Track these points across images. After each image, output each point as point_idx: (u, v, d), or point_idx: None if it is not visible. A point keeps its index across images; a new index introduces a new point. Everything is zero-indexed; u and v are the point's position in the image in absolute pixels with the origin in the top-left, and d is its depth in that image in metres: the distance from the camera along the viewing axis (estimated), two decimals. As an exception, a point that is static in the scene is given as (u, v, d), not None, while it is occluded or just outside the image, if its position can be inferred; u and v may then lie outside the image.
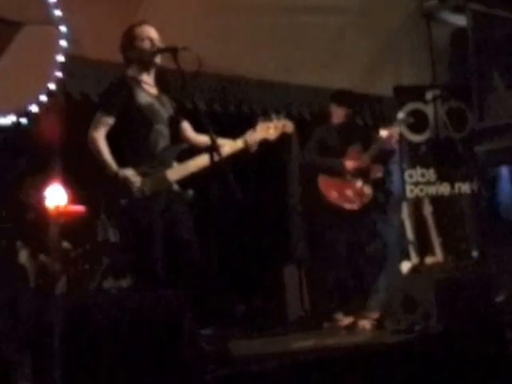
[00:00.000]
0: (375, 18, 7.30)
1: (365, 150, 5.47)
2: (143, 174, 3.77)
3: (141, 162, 3.80)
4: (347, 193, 5.37)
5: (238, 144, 3.99)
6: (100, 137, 3.76)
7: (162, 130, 3.93)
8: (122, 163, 3.81)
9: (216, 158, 3.60)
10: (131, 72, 3.95)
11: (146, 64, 3.93)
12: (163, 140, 3.92)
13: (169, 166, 3.86)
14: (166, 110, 3.98)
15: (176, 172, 3.86)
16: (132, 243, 3.87)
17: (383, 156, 5.52)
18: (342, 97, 5.58)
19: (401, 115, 5.86)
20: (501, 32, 7.79)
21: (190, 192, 3.93)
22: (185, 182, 3.96)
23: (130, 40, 3.94)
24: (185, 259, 3.80)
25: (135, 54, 3.92)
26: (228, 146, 3.94)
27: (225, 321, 3.94)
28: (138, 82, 3.92)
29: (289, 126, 4.16)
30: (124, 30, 4.00)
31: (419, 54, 7.89)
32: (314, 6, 6.75)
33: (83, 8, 5.03)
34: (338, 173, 5.37)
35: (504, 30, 7.81)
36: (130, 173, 3.72)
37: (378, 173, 5.53)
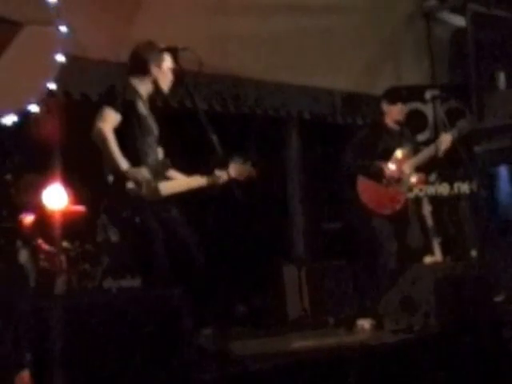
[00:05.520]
0: (375, 18, 7.32)
1: (414, 152, 5.41)
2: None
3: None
4: (381, 197, 5.33)
5: (202, 181, 4.00)
6: (108, 129, 3.69)
7: (152, 143, 3.94)
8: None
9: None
10: (134, 81, 3.95)
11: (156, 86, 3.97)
12: (153, 153, 3.93)
13: (162, 178, 3.87)
14: (156, 128, 4.00)
15: (168, 187, 3.87)
16: (132, 243, 3.88)
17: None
18: (395, 94, 5.54)
19: (460, 123, 5.72)
20: (500, 32, 7.81)
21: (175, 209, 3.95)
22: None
23: (150, 56, 3.94)
24: (184, 260, 3.80)
25: (149, 72, 3.94)
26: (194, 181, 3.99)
27: (225, 321, 3.94)
28: (139, 93, 3.93)
29: (252, 172, 4.16)
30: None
31: (419, 54, 7.91)
32: (314, 7, 6.76)
33: (83, 8, 5.04)
34: (378, 176, 5.30)
35: (503, 30, 7.83)
36: (138, 172, 3.71)
37: (419, 182, 5.51)
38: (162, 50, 3.91)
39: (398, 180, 5.31)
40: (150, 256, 3.72)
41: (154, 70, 3.93)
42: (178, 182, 3.95)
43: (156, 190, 3.79)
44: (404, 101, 5.46)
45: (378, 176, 5.28)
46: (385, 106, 5.46)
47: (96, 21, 5.17)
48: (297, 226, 7.03)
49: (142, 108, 3.91)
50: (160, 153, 3.99)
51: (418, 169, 5.40)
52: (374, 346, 4.26)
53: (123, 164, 3.66)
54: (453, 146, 5.47)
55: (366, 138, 5.41)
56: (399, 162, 5.34)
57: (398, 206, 5.31)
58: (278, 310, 5.87)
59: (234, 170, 4.04)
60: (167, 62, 3.95)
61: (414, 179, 5.38)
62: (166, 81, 3.98)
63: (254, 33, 6.31)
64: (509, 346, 4.49)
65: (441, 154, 5.38)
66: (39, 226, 4.83)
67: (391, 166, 5.29)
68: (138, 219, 3.68)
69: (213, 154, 3.76)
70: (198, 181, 3.99)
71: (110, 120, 3.71)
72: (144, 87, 3.95)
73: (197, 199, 4.01)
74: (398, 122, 5.44)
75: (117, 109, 3.74)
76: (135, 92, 3.91)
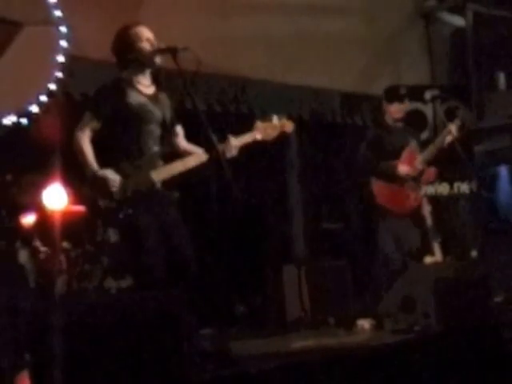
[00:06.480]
0: (374, 19, 7.32)
1: (421, 147, 5.47)
2: (125, 176, 3.75)
3: (127, 162, 3.79)
4: (397, 198, 5.36)
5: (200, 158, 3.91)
6: (84, 137, 3.77)
7: (153, 130, 3.91)
8: (108, 164, 3.80)
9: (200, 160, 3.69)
10: (126, 74, 3.94)
11: (145, 65, 3.93)
12: (153, 141, 3.90)
13: (154, 166, 3.86)
14: (160, 110, 3.96)
15: (161, 172, 3.85)
16: (127, 243, 3.88)
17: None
18: (392, 93, 5.55)
19: (461, 112, 5.76)
20: (500, 32, 7.81)
21: (176, 194, 3.92)
22: (184, 182, 3.96)
23: (128, 41, 3.92)
24: (179, 260, 3.78)
25: (135, 56, 3.92)
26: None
27: (225, 321, 3.94)
28: (132, 83, 3.92)
29: (288, 126, 4.13)
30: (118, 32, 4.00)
31: (418, 54, 7.92)
32: (313, 7, 6.77)
33: (84, 8, 5.04)
34: (392, 177, 5.35)
35: (503, 30, 7.84)
36: (108, 172, 3.72)
37: (431, 177, 5.56)
38: (161, 51, 3.90)
39: (414, 178, 5.37)
40: (144, 256, 3.70)
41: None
42: (172, 165, 3.90)
43: (146, 179, 3.78)
44: (401, 100, 5.49)
45: (394, 177, 5.32)
46: (384, 105, 5.55)
47: (96, 21, 5.17)
48: (297, 226, 7.03)
49: (135, 96, 3.87)
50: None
51: (428, 163, 5.48)
52: (374, 346, 4.26)
53: (93, 166, 3.74)
54: (453, 145, 5.50)
55: (376, 137, 5.46)
56: (410, 161, 5.39)
57: (413, 205, 5.38)
58: (277, 310, 5.87)
59: (259, 131, 3.98)
60: (140, 37, 3.91)
61: (427, 175, 5.45)
62: (146, 57, 3.91)
63: (254, 33, 6.32)
64: (509, 347, 4.49)
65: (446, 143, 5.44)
66: (39, 226, 4.83)
67: (404, 167, 5.34)
68: (129, 213, 3.67)
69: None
70: (195, 159, 3.90)
71: (87, 127, 3.80)
72: (134, 74, 3.93)
73: (196, 199, 4.00)
74: (397, 120, 5.48)
75: (97, 115, 3.80)
76: (124, 85, 3.88)
